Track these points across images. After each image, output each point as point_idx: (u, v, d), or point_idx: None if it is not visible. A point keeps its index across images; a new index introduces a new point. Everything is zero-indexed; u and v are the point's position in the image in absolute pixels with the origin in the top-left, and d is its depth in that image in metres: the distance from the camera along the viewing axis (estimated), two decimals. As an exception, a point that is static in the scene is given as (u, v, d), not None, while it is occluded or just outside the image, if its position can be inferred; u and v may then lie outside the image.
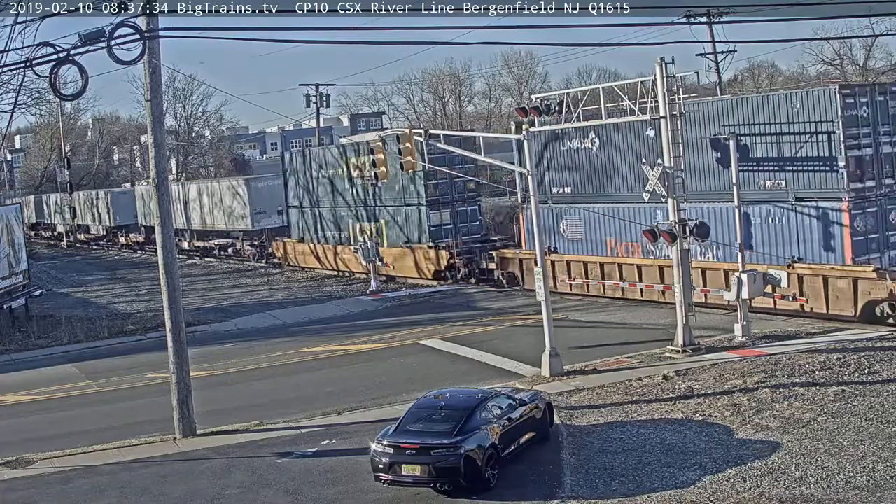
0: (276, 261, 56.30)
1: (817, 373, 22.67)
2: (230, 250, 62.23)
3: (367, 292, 42.97)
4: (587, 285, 36.01)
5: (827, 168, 28.91)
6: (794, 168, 29.68)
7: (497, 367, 26.91)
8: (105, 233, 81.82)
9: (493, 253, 41.43)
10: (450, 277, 43.36)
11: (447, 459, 16.81)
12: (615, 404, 21.79)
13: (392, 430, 17.66)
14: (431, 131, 33.65)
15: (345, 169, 50.05)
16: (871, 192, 29.13)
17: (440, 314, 36.66)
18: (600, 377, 24.32)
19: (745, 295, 26.67)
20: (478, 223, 46.23)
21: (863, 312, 27.38)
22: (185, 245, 65.98)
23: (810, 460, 17.13)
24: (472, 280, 42.48)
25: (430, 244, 44.26)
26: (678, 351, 25.89)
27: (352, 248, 46.85)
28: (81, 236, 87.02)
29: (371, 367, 28.53)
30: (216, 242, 63.74)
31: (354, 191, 49.80)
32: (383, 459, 17.18)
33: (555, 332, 25.34)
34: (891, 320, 26.81)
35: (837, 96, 28.24)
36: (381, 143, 32.76)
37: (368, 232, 47.58)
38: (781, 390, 21.46)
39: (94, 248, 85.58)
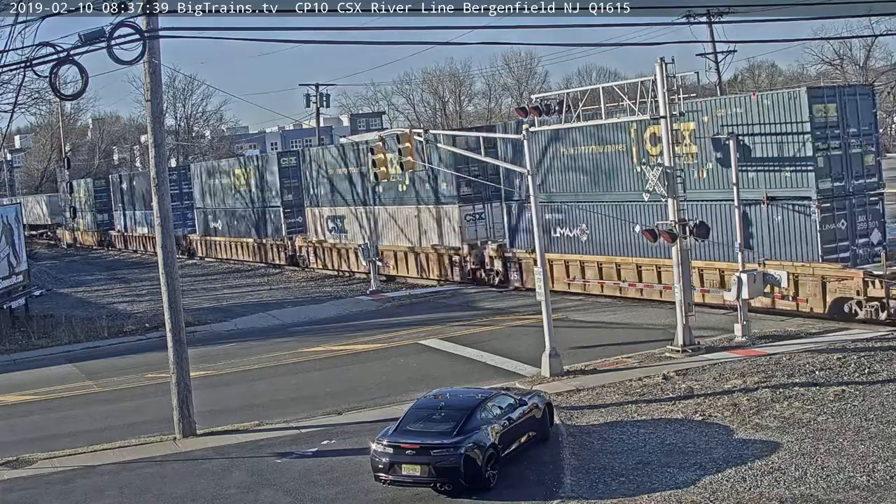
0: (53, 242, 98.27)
1: (817, 373, 22.68)
2: (44, 236, 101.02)
3: (367, 292, 42.99)
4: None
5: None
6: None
7: (497, 367, 26.91)
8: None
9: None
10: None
11: (447, 459, 16.80)
12: (615, 404, 21.78)
13: (392, 430, 17.66)
14: (432, 131, 33.68)
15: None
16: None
17: (440, 314, 36.66)
18: (600, 377, 24.32)
19: (745, 295, 26.67)
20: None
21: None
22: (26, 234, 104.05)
23: (810, 460, 17.13)
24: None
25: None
26: (678, 351, 25.89)
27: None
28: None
29: (371, 367, 28.53)
30: (39, 231, 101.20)
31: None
32: (383, 459, 17.18)
33: (555, 332, 25.34)
34: None
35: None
36: (381, 143, 32.77)
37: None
38: (781, 390, 21.46)
39: (93, 248, 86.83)
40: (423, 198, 44.69)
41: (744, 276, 26.71)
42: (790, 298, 28.88)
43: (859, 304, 27.41)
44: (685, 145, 31.24)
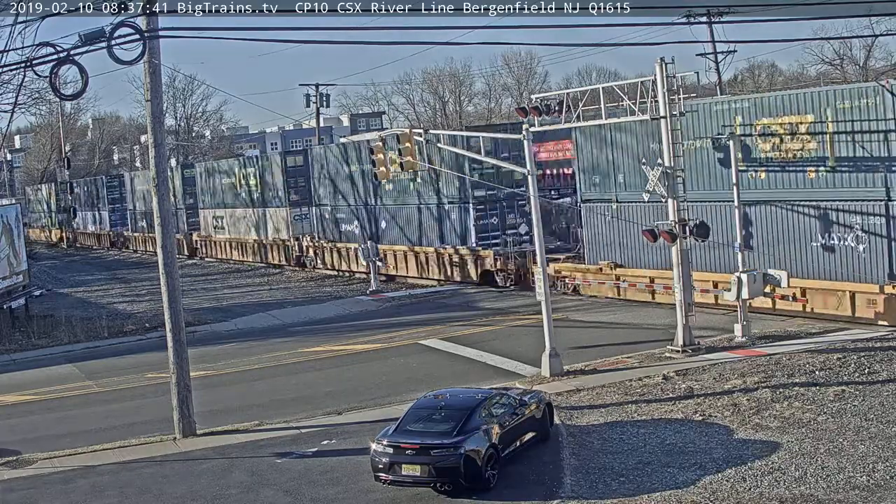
0: None
1: (817, 373, 22.68)
2: None
3: (367, 292, 43.01)
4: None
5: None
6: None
7: (497, 367, 26.91)
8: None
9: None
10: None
11: (447, 459, 16.80)
12: (615, 404, 21.79)
13: (392, 430, 17.66)
14: (431, 131, 33.68)
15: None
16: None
17: (440, 314, 36.67)
18: (600, 377, 24.32)
19: (745, 295, 26.67)
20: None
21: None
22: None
23: (810, 460, 17.13)
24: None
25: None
26: (678, 351, 25.89)
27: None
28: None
29: (371, 367, 28.53)
30: None
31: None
32: (383, 459, 17.18)
33: (555, 332, 25.34)
34: None
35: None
36: (381, 143, 32.78)
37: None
38: (781, 390, 21.46)
39: (94, 248, 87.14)
40: (269, 202, 58.35)
41: (744, 277, 26.71)
42: (461, 273, 42.11)
43: (496, 273, 40.31)
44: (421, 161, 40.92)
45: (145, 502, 18.35)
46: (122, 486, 19.34)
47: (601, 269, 35.58)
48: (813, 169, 28.53)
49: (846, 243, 27.85)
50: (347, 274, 50.25)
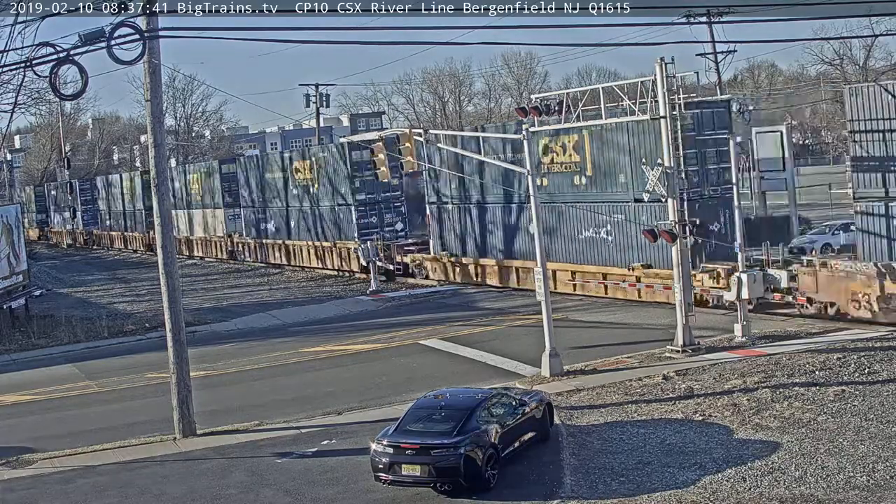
0: None
1: (817, 373, 22.68)
2: None
3: (367, 292, 43.02)
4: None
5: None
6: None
7: (497, 367, 26.91)
8: None
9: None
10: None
11: (447, 459, 16.81)
12: (615, 404, 21.79)
13: (392, 430, 17.66)
14: (431, 131, 33.69)
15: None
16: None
17: (440, 314, 36.67)
18: (600, 377, 24.32)
19: (744, 295, 26.67)
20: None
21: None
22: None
23: (810, 460, 17.13)
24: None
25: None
26: (678, 351, 25.89)
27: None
28: None
29: (371, 367, 28.53)
30: None
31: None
32: (383, 459, 17.18)
33: (555, 332, 25.34)
34: None
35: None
36: (381, 143, 32.81)
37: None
38: (781, 390, 21.46)
39: (94, 248, 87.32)
40: (209, 204, 66.96)
41: (744, 276, 26.72)
42: (347, 263, 49.04)
43: (371, 262, 45.52)
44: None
45: (145, 502, 18.34)
46: (122, 486, 19.34)
47: (436, 257, 45.35)
48: (578, 177, 36.42)
49: (600, 236, 35.80)
50: (270, 265, 58.34)
